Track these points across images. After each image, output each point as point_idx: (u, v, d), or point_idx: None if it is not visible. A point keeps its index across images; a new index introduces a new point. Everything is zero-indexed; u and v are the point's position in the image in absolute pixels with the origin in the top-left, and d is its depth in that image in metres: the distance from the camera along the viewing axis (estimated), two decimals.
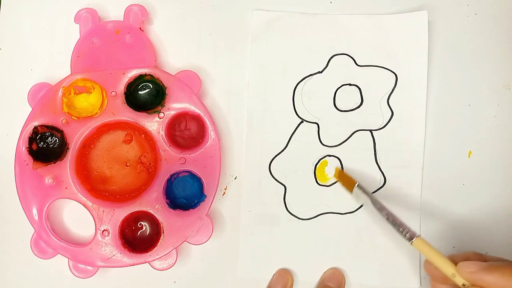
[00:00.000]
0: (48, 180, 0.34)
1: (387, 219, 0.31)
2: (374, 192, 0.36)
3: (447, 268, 0.28)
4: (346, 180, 0.35)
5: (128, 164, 0.36)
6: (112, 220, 0.34)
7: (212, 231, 0.34)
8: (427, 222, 0.35)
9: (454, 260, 0.29)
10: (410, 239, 0.30)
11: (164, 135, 0.35)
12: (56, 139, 0.35)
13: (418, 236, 0.30)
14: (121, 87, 0.35)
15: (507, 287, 0.26)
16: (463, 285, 0.28)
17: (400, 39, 0.36)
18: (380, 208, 0.32)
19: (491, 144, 0.36)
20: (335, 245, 0.36)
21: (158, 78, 0.35)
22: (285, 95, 0.36)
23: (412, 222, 0.35)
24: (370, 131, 0.36)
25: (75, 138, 0.34)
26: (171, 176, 0.34)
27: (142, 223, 0.35)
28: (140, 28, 0.36)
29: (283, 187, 0.36)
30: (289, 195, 0.36)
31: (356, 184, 0.34)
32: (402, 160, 0.36)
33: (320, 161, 0.36)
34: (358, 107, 0.36)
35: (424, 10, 0.36)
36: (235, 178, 0.36)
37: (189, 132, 0.36)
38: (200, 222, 0.34)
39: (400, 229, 0.30)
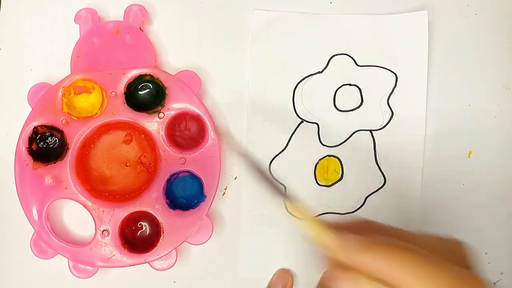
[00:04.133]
0: (48, 180, 0.34)
1: (263, 178, 0.29)
2: (374, 192, 0.36)
3: (331, 243, 0.25)
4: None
5: (128, 164, 0.36)
6: (112, 220, 0.34)
7: (212, 231, 0.34)
8: (427, 222, 0.35)
9: (339, 226, 0.26)
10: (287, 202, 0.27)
11: (164, 135, 0.35)
12: (56, 139, 0.35)
13: (297, 203, 0.27)
14: (121, 87, 0.35)
15: (376, 269, 0.23)
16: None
17: (400, 39, 0.36)
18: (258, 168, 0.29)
19: (491, 144, 0.36)
20: None
21: (158, 78, 0.35)
22: (285, 95, 0.36)
23: (412, 222, 0.35)
24: (370, 131, 0.36)
25: (75, 138, 0.34)
26: (171, 176, 0.34)
27: (142, 223, 0.35)
28: (140, 28, 0.36)
29: (283, 187, 0.36)
30: (289, 195, 0.36)
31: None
32: (402, 160, 0.36)
33: (320, 161, 0.36)
34: (358, 107, 0.36)
35: (424, 10, 0.36)
36: (235, 178, 0.36)
37: (189, 132, 0.36)
38: (200, 222, 0.34)
39: (276, 191, 0.28)
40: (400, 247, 0.23)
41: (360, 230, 0.25)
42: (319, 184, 0.36)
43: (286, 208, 0.30)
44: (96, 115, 0.35)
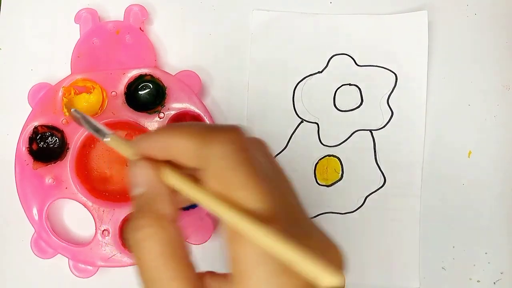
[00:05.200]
0: (48, 180, 0.34)
1: (88, 125, 0.28)
2: (374, 192, 0.36)
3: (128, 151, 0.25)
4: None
5: (128, 164, 0.36)
6: (112, 220, 0.34)
7: (212, 231, 0.34)
8: (427, 222, 0.35)
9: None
10: (105, 137, 0.27)
11: None
12: (56, 139, 0.35)
13: (112, 134, 0.27)
14: (121, 87, 0.35)
15: (162, 148, 0.23)
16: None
17: (400, 39, 0.36)
18: (82, 117, 0.29)
19: (491, 144, 0.36)
20: None
21: (158, 78, 0.35)
22: (285, 95, 0.36)
23: (411, 222, 0.35)
24: (370, 131, 0.36)
25: (75, 138, 0.34)
26: None
27: None
28: (140, 28, 0.36)
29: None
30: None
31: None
32: (402, 160, 0.36)
33: (320, 161, 0.36)
34: (358, 107, 0.36)
35: (424, 10, 0.36)
36: None
37: None
38: (200, 222, 0.34)
39: (100, 133, 0.27)
40: (171, 124, 0.22)
41: None
42: (319, 184, 0.36)
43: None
44: (96, 115, 0.35)
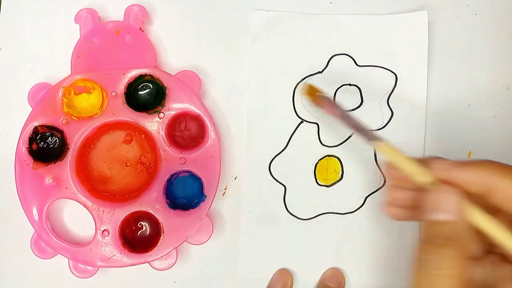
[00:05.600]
0: (48, 180, 0.34)
1: (351, 123, 0.30)
2: (374, 192, 0.36)
3: (414, 168, 0.26)
4: (310, 91, 0.34)
5: (128, 164, 0.36)
6: (112, 220, 0.34)
7: (212, 231, 0.34)
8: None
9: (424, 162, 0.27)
10: (374, 141, 0.28)
11: (164, 135, 0.35)
12: (56, 139, 0.35)
13: (383, 140, 0.28)
14: (121, 87, 0.35)
15: (481, 181, 0.24)
16: (430, 184, 0.26)
17: (400, 39, 0.36)
18: (342, 114, 0.31)
19: (491, 144, 0.36)
20: (335, 245, 0.36)
21: (158, 78, 0.35)
22: (285, 95, 0.36)
23: (412, 223, 0.35)
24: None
25: (75, 138, 0.35)
26: (171, 176, 0.34)
27: (142, 223, 0.35)
28: (140, 28, 0.36)
29: (283, 187, 0.36)
30: (289, 195, 0.36)
31: (319, 92, 0.32)
32: None
33: (320, 161, 0.36)
34: (358, 107, 0.36)
35: (424, 10, 0.36)
36: (235, 178, 0.36)
37: (189, 132, 0.36)
38: (200, 222, 0.34)
39: (365, 134, 0.29)
40: (494, 161, 0.25)
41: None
42: (319, 184, 0.36)
43: (376, 147, 0.29)
44: (96, 115, 0.35)
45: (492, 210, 0.25)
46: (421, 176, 0.26)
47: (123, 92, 0.35)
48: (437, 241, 0.23)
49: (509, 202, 0.23)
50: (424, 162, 0.27)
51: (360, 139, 0.29)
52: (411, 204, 0.28)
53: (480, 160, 0.25)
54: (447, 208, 0.24)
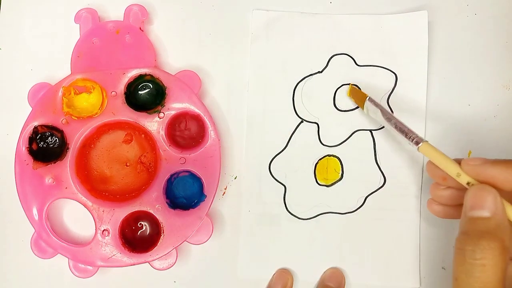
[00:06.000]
0: (48, 180, 0.34)
1: (395, 127, 0.32)
2: (374, 192, 0.36)
3: (453, 168, 0.28)
4: (358, 95, 0.35)
5: (128, 164, 0.36)
6: (112, 220, 0.34)
7: (212, 231, 0.34)
8: (427, 222, 0.35)
9: (459, 162, 0.29)
10: (417, 144, 0.30)
11: (164, 135, 0.35)
12: (56, 139, 0.35)
13: (425, 141, 0.30)
14: (121, 87, 0.35)
15: (507, 179, 0.26)
16: (468, 183, 0.27)
17: (400, 39, 0.36)
18: (388, 118, 0.32)
19: (491, 144, 0.36)
20: (335, 245, 0.36)
21: (158, 78, 0.35)
22: (285, 95, 0.36)
23: (412, 222, 0.35)
24: (370, 131, 0.36)
25: (75, 138, 0.35)
26: (171, 176, 0.34)
27: (142, 223, 0.35)
28: (140, 28, 0.36)
29: (283, 187, 0.36)
30: (289, 195, 0.36)
31: (367, 98, 0.34)
32: (402, 160, 0.36)
33: (320, 161, 0.36)
34: (358, 107, 0.36)
35: (424, 10, 0.36)
36: (235, 178, 0.36)
37: (189, 132, 0.36)
38: (200, 222, 0.34)
39: (408, 136, 0.31)
40: None
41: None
42: (319, 184, 0.36)
43: (418, 149, 0.30)
44: (96, 115, 0.35)
45: None
46: (459, 175, 0.28)
47: (123, 92, 0.35)
48: (474, 233, 0.25)
49: None
50: (459, 161, 0.29)
51: (402, 140, 0.32)
52: (452, 202, 0.31)
53: (507, 160, 0.27)
54: (484, 205, 0.26)
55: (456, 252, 0.26)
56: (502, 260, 0.25)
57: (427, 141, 0.30)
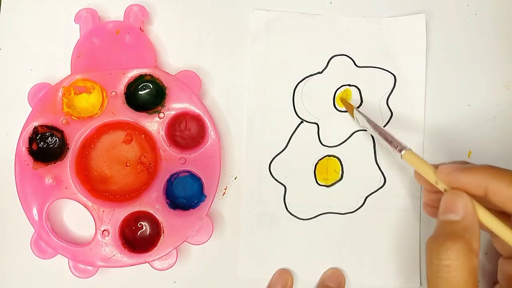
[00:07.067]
0: (48, 180, 0.34)
1: (381, 135, 0.33)
2: (374, 192, 0.36)
3: (432, 176, 0.29)
4: (346, 105, 0.36)
5: (128, 164, 0.36)
6: (112, 220, 0.34)
7: (212, 231, 0.34)
8: (427, 222, 0.35)
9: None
10: (400, 151, 0.31)
11: (164, 135, 0.35)
12: (56, 139, 0.35)
13: (408, 149, 0.31)
14: (121, 87, 0.35)
15: (479, 184, 0.27)
16: (445, 190, 0.29)
17: (399, 42, 0.36)
18: (374, 127, 0.33)
19: (491, 144, 0.36)
20: (335, 245, 0.36)
21: (158, 78, 0.35)
22: (285, 95, 0.37)
23: (412, 223, 0.35)
24: None
25: (75, 138, 0.35)
26: (171, 176, 0.34)
27: (142, 223, 0.35)
28: (140, 28, 0.36)
29: (283, 187, 0.36)
30: (289, 195, 0.36)
31: (354, 109, 0.35)
32: (402, 160, 0.36)
33: (320, 161, 0.36)
34: (358, 107, 0.36)
35: (422, 13, 0.36)
36: (235, 178, 0.36)
37: (189, 132, 0.36)
38: (200, 222, 0.34)
39: (392, 144, 0.32)
40: (491, 166, 0.27)
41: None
42: (319, 184, 0.36)
43: (401, 156, 0.31)
44: (96, 115, 0.35)
45: (494, 210, 0.27)
46: (437, 182, 0.29)
47: (123, 92, 0.35)
48: (441, 235, 0.26)
49: (506, 203, 0.26)
50: (436, 167, 0.30)
51: (387, 148, 0.33)
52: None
53: (479, 165, 0.28)
54: (455, 209, 0.27)
55: (426, 254, 0.27)
56: (468, 261, 0.25)
57: (410, 149, 0.31)
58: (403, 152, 0.31)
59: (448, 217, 0.27)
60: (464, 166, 0.28)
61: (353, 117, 0.35)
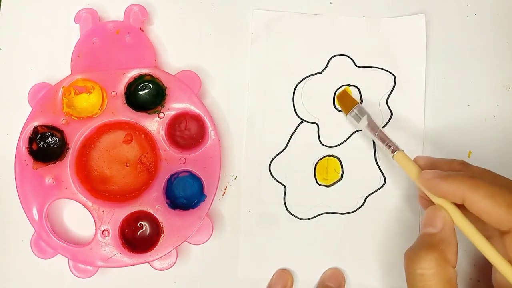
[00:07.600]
0: (48, 180, 0.34)
1: (377, 136, 0.33)
2: (374, 192, 0.36)
3: (417, 180, 0.30)
4: (347, 100, 0.36)
5: (128, 164, 0.36)
6: (112, 220, 0.34)
7: (212, 231, 0.34)
8: None
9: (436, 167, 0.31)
10: (393, 152, 0.32)
11: (164, 135, 0.35)
12: (56, 139, 0.35)
13: (400, 150, 0.32)
14: (121, 87, 0.35)
15: (456, 194, 0.27)
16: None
17: (398, 42, 0.36)
18: (373, 128, 0.34)
19: (491, 144, 0.36)
20: (335, 245, 0.36)
21: (158, 78, 0.35)
22: (285, 95, 0.37)
23: (412, 223, 0.35)
24: None
25: (75, 138, 0.35)
26: (171, 176, 0.34)
27: (142, 223, 0.35)
28: (140, 28, 0.36)
29: (283, 187, 0.36)
30: (289, 195, 0.36)
31: (357, 105, 0.35)
32: None
33: (320, 161, 0.36)
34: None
35: (422, 13, 0.36)
36: (235, 178, 0.36)
37: (189, 132, 0.36)
38: (200, 222, 0.34)
39: (386, 144, 0.33)
40: (468, 176, 0.28)
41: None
42: (319, 184, 0.36)
43: (392, 157, 0.32)
44: (96, 115, 0.35)
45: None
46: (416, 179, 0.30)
47: (123, 92, 0.35)
48: (417, 246, 0.28)
49: (482, 213, 0.26)
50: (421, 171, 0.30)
51: (382, 148, 0.33)
52: None
53: (458, 174, 0.28)
54: (433, 223, 0.28)
55: (403, 264, 0.28)
56: (442, 271, 0.26)
57: (402, 150, 0.32)
58: (395, 152, 0.32)
59: (427, 230, 0.28)
60: (445, 173, 0.29)
61: (346, 114, 0.35)
